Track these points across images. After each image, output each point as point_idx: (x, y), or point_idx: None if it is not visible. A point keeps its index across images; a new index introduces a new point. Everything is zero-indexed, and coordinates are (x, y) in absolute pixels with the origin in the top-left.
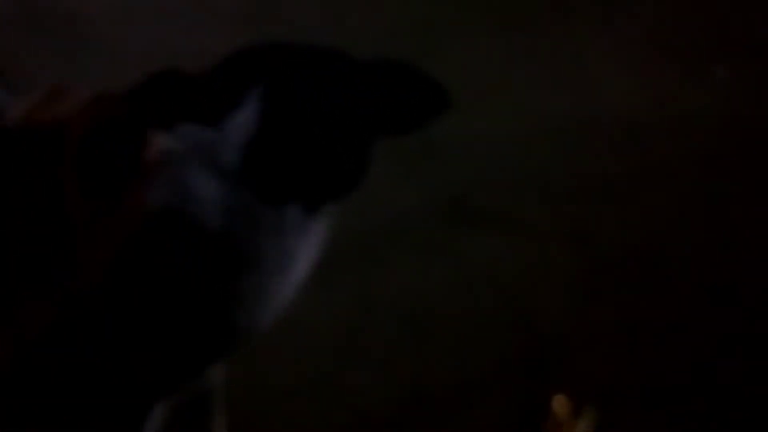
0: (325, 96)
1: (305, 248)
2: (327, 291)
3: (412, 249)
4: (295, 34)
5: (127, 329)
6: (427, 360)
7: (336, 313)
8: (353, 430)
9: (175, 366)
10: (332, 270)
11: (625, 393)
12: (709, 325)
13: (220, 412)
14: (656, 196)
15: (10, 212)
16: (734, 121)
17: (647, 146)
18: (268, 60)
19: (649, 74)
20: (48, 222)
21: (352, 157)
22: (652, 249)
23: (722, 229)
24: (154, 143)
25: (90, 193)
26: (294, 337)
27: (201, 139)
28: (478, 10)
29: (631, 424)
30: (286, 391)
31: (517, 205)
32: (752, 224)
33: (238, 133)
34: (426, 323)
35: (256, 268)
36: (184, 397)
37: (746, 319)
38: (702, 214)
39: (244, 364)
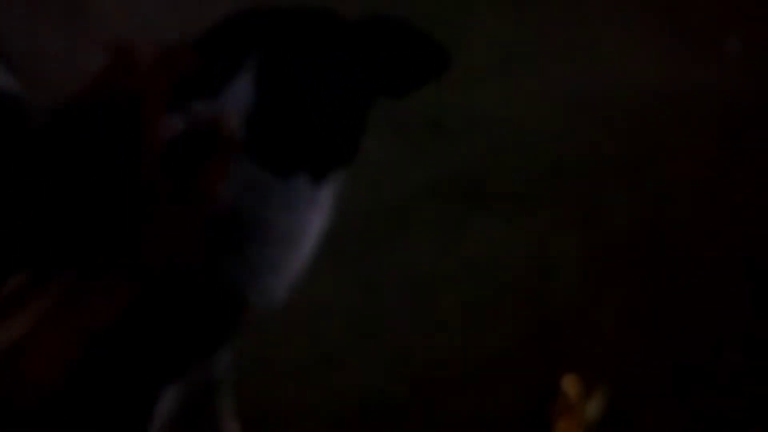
0: (320, 60)
1: (314, 219)
2: (334, 271)
3: (420, 230)
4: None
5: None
6: (435, 341)
7: (343, 293)
8: (360, 411)
9: (186, 343)
10: (339, 250)
11: (637, 374)
12: (723, 306)
13: (228, 395)
14: (669, 175)
15: (83, 190)
16: (747, 96)
17: (659, 123)
18: (259, 26)
19: (661, 50)
20: (122, 201)
21: (353, 120)
22: (664, 229)
23: (738, 210)
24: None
25: (172, 172)
26: (300, 318)
27: (204, 112)
28: None
29: (642, 404)
30: (292, 372)
31: (527, 184)
32: None
33: (237, 103)
34: (434, 304)
35: (265, 240)
36: (196, 379)
37: (762, 301)
38: (717, 193)
39: (250, 345)
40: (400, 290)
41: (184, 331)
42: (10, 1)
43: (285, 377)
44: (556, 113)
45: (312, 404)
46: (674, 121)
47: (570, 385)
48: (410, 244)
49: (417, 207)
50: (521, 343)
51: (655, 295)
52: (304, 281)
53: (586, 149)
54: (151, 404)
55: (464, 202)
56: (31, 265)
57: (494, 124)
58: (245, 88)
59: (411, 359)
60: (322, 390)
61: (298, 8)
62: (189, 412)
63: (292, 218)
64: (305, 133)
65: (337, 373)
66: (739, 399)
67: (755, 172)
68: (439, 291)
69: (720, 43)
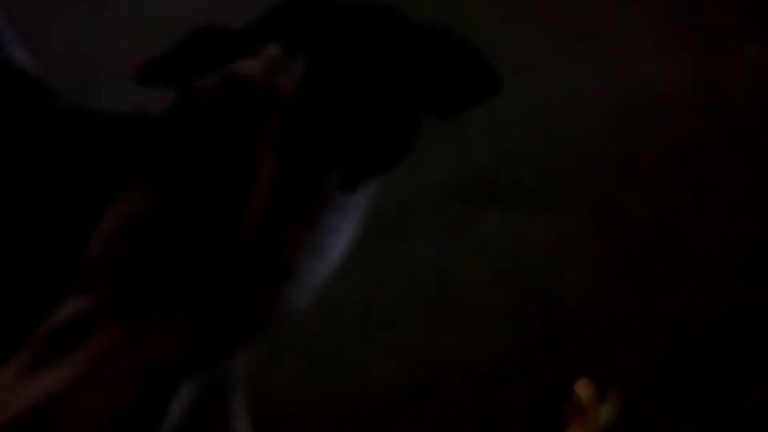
0: (373, 63)
1: (345, 225)
2: (346, 267)
3: (433, 226)
4: None
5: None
6: (446, 340)
7: (355, 288)
8: (370, 407)
9: (206, 343)
10: (352, 250)
11: (650, 378)
12: (737, 308)
13: (241, 395)
14: (684, 176)
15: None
16: (764, 100)
17: (676, 126)
18: (313, 17)
19: (678, 53)
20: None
21: (396, 131)
22: (679, 231)
23: (752, 212)
24: None
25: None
26: (311, 313)
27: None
28: None
29: (656, 408)
30: (303, 368)
31: (541, 183)
32: None
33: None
34: (446, 302)
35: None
36: (212, 378)
37: None
38: (731, 195)
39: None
40: (411, 287)
41: (206, 332)
42: None
43: (292, 375)
44: (571, 113)
45: (319, 402)
46: (691, 123)
47: (583, 388)
48: (422, 241)
49: (431, 204)
50: (533, 344)
51: (670, 298)
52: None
53: (601, 150)
54: (170, 397)
55: (478, 201)
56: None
57: (510, 123)
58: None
59: (421, 358)
60: (329, 388)
61: (359, 2)
62: (201, 411)
63: (320, 223)
64: (340, 138)
65: (345, 371)
66: (754, 403)
67: None
68: (450, 289)
69: (737, 47)
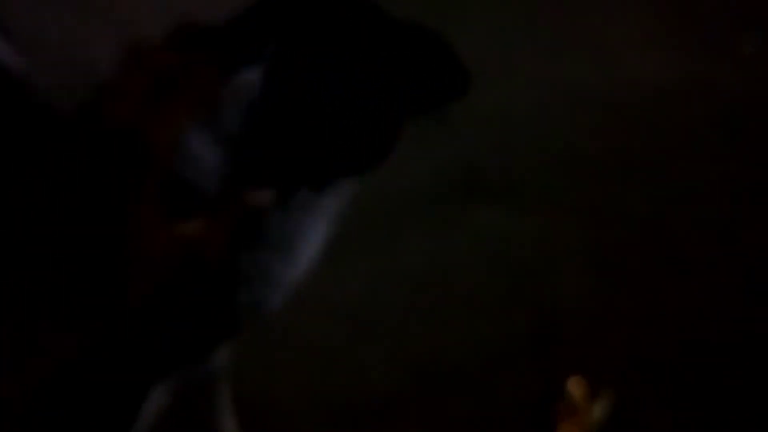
0: (346, 59)
1: (313, 226)
2: (337, 263)
3: (424, 221)
4: None
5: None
6: (436, 337)
7: (346, 286)
8: (364, 405)
9: (176, 345)
10: (342, 242)
11: (643, 377)
12: (732, 305)
13: (226, 393)
14: (678, 172)
15: (66, 214)
16: (762, 96)
17: (670, 121)
18: (290, 11)
19: (674, 47)
20: (105, 234)
21: (368, 132)
22: (673, 227)
23: (748, 209)
24: None
25: (169, 214)
26: (304, 310)
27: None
28: None
29: (649, 408)
30: (295, 365)
31: (533, 178)
32: None
33: (242, 93)
34: (437, 298)
35: (258, 245)
36: (187, 379)
37: None
38: (726, 191)
39: (247, 340)
40: (401, 284)
41: (175, 332)
42: None
43: (285, 370)
44: (562, 108)
45: (310, 401)
46: (685, 119)
47: (575, 387)
48: (412, 237)
49: (419, 199)
50: (526, 342)
51: (662, 295)
52: (307, 276)
53: (592, 145)
54: (140, 400)
55: (468, 196)
56: None
57: (499, 117)
58: (253, 80)
59: (411, 356)
60: (321, 387)
61: None
62: (186, 410)
63: (286, 222)
64: (306, 137)
65: (337, 370)
66: (747, 402)
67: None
68: (440, 285)
69: (735, 43)
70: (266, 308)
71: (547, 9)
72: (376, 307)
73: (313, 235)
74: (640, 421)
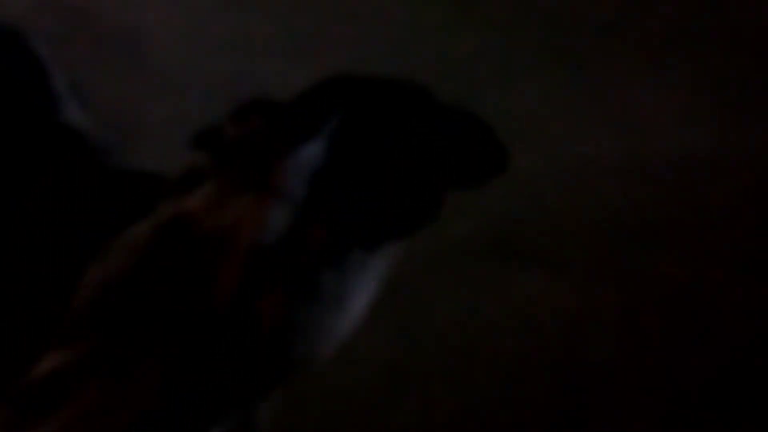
0: (400, 135)
1: (364, 284)
2: (370, 325)
3: (452, 283)
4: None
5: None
6: (464, 398)
7: (377, 347)
8: None
9: (228, 393)
10: (375, 304)
11: None
12: (765, 374)
13: None
14: (707, 242)
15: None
16: None
17: (698, 192)
18: (351, 90)
19: (703, 118)
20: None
21: (416, 199)
22: (702, 298)
23: None
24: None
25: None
26: (335, 371)
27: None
28: (531, 47)
29: None
30: (326, 422)
31: (567, 243)
32: None
33: (307, 163)
34: (466, 360)
35: (314, 301)
36: (233, 425)
37: None
38: (756, 261)
39: (285, 399)
40: (430, 343)
41: (229, 380)
42: (68, 35)
43: (315, 429)
44: (596, 176)
45: None
46: (714, 190)
47: None
48: (442, 297)
49: (451, 260)
50: (555, 408)
51: (695, 363)
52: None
53: (624, 211)
54: None
55: (499, 258)
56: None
57: (535, 182)
58: (316, 152)
59: (436, 416)
60: None
61: (392, 79)
62: None
63: (341, 281)
64: (365, 204)
65: (368, 426)
66: None
67: None
68: (470, 347)
69: (765, 114)
70: (316, 361)
71: (587, 79)
72: (404, 365)
73: (362, 293)
74: None
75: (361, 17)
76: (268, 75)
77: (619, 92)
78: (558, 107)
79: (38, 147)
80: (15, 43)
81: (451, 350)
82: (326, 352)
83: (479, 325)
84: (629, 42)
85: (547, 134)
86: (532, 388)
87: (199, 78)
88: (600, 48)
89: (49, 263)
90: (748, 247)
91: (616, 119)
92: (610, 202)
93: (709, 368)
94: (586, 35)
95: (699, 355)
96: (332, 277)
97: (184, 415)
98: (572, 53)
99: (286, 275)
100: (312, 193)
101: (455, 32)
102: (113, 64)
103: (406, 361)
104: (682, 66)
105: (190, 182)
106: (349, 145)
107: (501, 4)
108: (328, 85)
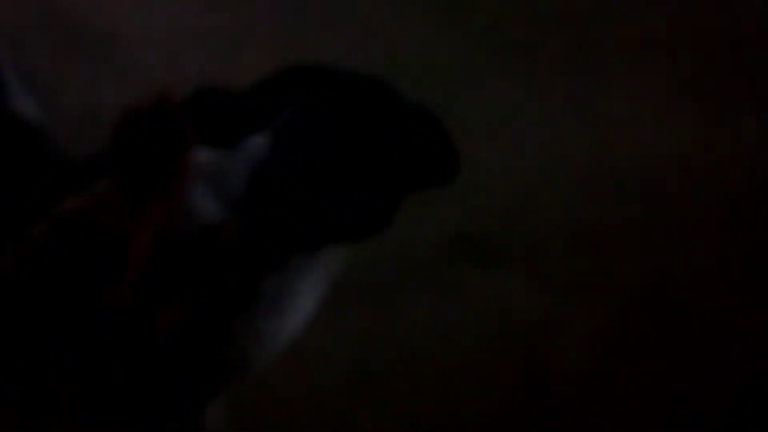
0: (348, 133)
1: (307, 287)
2: (337, 326)
3: (423, 286)
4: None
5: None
6: (435, 398)
7: (346, 349)
8: None
9: (162, 400)
10: (343, 305)
11: None
12: (737, 379)
13: None
14: (679, 245)
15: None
16: (762, 173)
17: (670, 195)
18: (307, 83)
19: (676, 123)
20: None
21: (363, 204)
22: (673, 300)
23: (749, 282)
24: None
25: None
26: (303, 373)
27: (212, 162)
28: (505, 50)
29: None
30: (291, 420)
31: (532, 247)
32: None
33: (247, 159)
34: (435, 360)
35: (251, 307)
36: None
37: None
38: (728, 265)
39: (250, 402)
40: (402, 347)
41: (162, 387)
42: (38, 34)
43: (279, 427)
44: (566, 178)
45: None
46: (685, 193)
47: None
48: (412, 299)
49: (421, 264)
50: (522, 408)
51: (662, 369)
52: (304, 336)
53: (594, 215)
54: None
55: (471, 260)
56: None
57: (505, 184)
58: (260, 145)
59: (404, 415)
60: None
61: (355, 72)
62: None
63: (279, 285)
64: (302, 201)
65: (333, 425)
66: None
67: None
68: (436, 347)
69: (736, 120)
70: (255, 365)
71: (552, 82)
72: (375, 369)
73: (304, 298)
74: None
75: (339, 17)
76: (244, 72)
77: (594, 94)
78: (529, 109)
79: None
80: None
81: (419, 352)
82: (267, 357)
83: (447, 327)
84: (605, 45)
85: (517, 135)
86: (500, 391)
87: (174, 74)
88: (576, 50)
89: None
90: (719, 247)
91: (591, 122)
92: (578, 205)
93: (681, 370)
94: (562, 37)
95: (670, 358)
96: (272, 281)
97: (127, 420)
98: (548, 55)
99: (190, 281)
100: (252, 189)
101: (432, 32)
102: (82, 63)
103: (373, 362)
104: (657, 69)
105: (93, 175)
106: (296, 140)
107: (478, 5)
108: (285, 76)
